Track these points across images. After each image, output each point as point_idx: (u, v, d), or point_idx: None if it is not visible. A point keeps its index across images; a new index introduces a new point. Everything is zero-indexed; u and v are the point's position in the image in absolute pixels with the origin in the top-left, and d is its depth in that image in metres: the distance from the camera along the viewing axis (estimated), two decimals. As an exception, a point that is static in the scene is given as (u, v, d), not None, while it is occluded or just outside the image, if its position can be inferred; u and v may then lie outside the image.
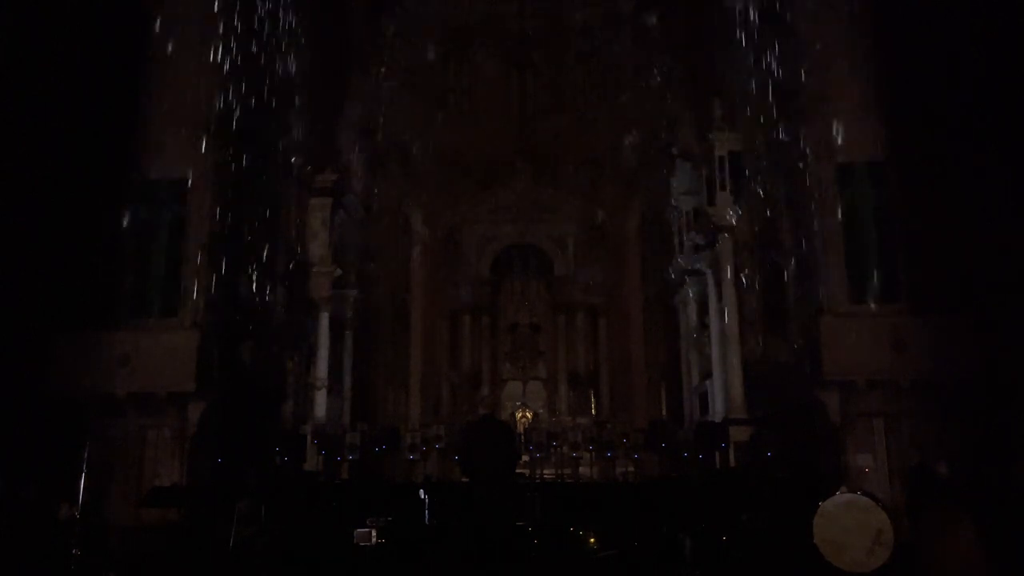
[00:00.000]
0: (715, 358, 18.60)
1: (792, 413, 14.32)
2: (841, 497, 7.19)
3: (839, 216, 13.84)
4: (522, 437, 17.88)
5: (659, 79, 21.64)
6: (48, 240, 12.63)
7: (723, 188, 18.12)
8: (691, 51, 19.55)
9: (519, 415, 23.09)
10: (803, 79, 14.39)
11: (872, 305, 13.57)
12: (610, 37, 22.90)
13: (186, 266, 13.78)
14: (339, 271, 19.58)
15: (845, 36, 14.21)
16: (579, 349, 24.67)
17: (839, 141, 13.93)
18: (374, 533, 9.55)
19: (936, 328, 12.94)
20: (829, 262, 13.75)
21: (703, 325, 19.90)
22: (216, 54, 14.37)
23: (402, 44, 21.99)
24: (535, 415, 23.24)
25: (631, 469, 18.84)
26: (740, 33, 16.17)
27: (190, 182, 14.03)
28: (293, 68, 16.62)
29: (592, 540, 9.56)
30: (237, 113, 14.72)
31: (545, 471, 17.79)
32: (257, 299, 15.20)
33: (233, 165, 14.63)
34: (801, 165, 14.41)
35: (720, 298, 18.25)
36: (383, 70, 21.54)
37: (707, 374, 19.44)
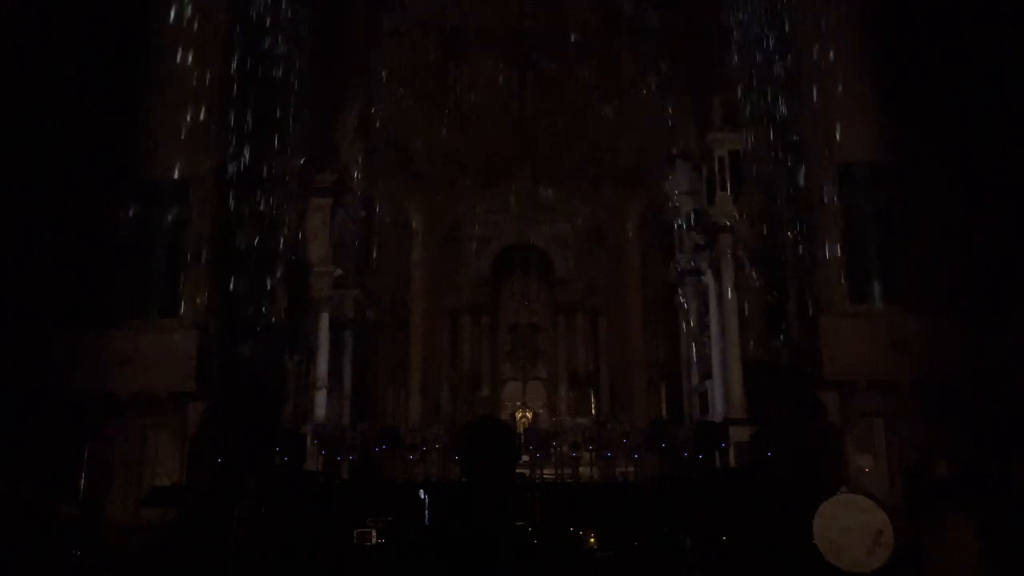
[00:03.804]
0: (715, 358, 18.61)
1: (792, 413, 14.31)
2: (841, 497, 7.19)
3: (839, 216, 13.82)
4: (522, 437, 17.87)
5: (659, 79, 21.66)
6: (49, 239, 12.63)
7: (723, 188, 18.15)
8: (691, 51, 19.55)
9: (519, 415, 23.10)
10: (803, 79, 14.38)
11: (872, 305, 13.56)
12: (610, 37, 22.89)
13: (186, 266, 13.75)
14: (339, 271, 19.58)
15: (845, 36, 14.19)
16: (579, 349, 24.69)
17: (839, 141, 13.92)
18: (374, 533, 9.57)
19: (936, 328, 12.92)
20: (829, 262, 13.73)
21: (703, 325, 19.91)
22: (217, 54, 14.36)
23: (402, 44, 21.98)
24: (535, 415, 23.26)
25: (631, 469, 18.84)
26: (739, 33, 16.17)
27: (190, 182, 14.01)
28: (293, 68, 16.62)
29: (592, 540, 9.56)
30: (237, 113, 14.72)
31: (545, 471, 17.79)
32: (257, 299, 15.20)
33: (233, 165, 14.62)
34: (801, 165, 14.41)
35: (720, 298, 18.26)
36: (383, 70, 21.55)
37: (707, 374, 19.44)
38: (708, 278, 19.14)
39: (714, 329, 18.65)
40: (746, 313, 17.14)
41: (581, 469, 18.90)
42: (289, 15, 16.50)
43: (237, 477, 11.91)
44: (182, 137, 13.95)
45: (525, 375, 24.57)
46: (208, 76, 14.21)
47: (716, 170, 18.29)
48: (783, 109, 14.90)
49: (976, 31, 12.32)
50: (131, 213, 13.78)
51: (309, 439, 17.09)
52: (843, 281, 13.62)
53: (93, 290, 13.17)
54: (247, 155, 14.97)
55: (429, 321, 25.05)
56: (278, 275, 16.27)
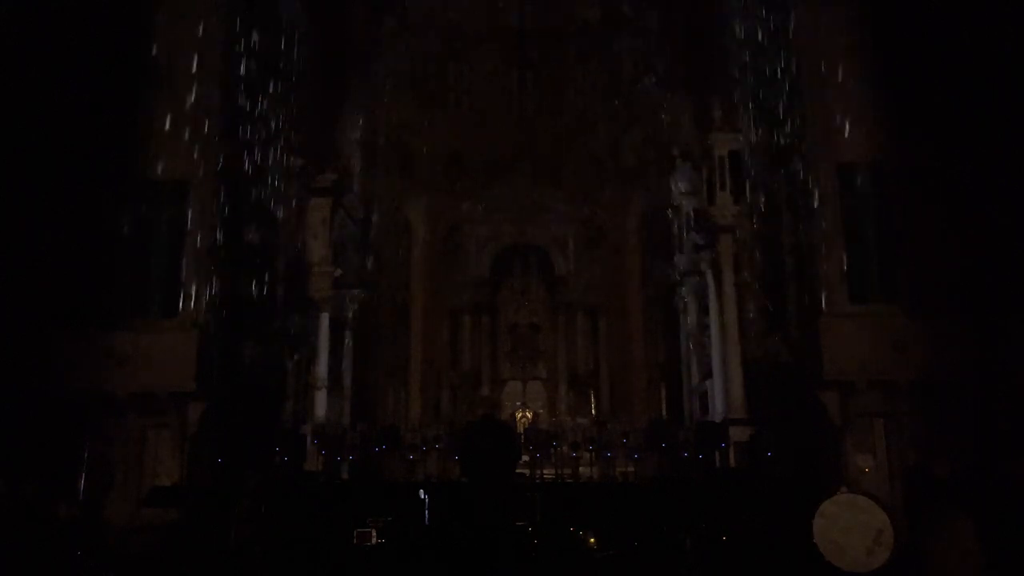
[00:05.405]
0: (715, 358, 18.62)
1: (792, 413, 14.31)
2: (841, 497, 7.19)
3: (839, 216, 13.82)
4: (522, 437, 17.88)
5: (659, 79, 21.66)
6: (49, 239, 12.63)
7: (723, 188, 18.16)
8: (691, 51, 19.56)
9: (519, 415, 23.10)
10: (803, 79, 14.38)
11: (872, 305, 13.56)
12: (610, 37, 22.90)
13: (186, 266, 13.75)
14: (339, 271, 19.58)
15: (845, 36, 14.19)
16: (579, 349, 24.69)
17: (839, 141, 13.92)
18: (374, 533, 9.57)
19: (936, 328, 12.93)
20: (829, 262, 13.73)
21: (703, 325, 19.91)
22: (217, 54, 14.36)
23: (402, 44, 21.99)
24: (535, 415, 23.25)
25: (631, 469, 18.84)
26: (740, 33, 16.18)
27: (191, 182, 14.01)
28: (294, 68, 16.63)
29: (592, 540, 9.57)
30: (238, 113, 14.73)
31: (545, 471, 17.79)
32: (257, 299, 15.20)
33: (234, 165, 14.62)
34: (801, 165, 14.41)
35: (720, 298, 18.27)
36: (383, 70, 21.55)
37: (707, 374, 19.45)
38: (708, 278, 19.14)
39: (714, 329, 18.65)
40: (746, 313, 17.15)
41: (581, 469, 18.90)
42: (290, 15, 16.51)
43: (237, 477, 11.91)
44: (182, 137, 13.95)
45: (525, 375, 24.56)
46: (208, 76, 14.21)
47: (716, 170, 18.30)
48: (783, 109, 14.90)
49: (976, 31, 12.32)
50: (131, 213, 13.78)
51: (309, 439, 17.09)
52: (843, 281, 13.63)
53: (93, 290, 13.17)
54: (247, 155, 14.99)
55: (429, 321, 25.05)
56: (278, 275, 16.29)
